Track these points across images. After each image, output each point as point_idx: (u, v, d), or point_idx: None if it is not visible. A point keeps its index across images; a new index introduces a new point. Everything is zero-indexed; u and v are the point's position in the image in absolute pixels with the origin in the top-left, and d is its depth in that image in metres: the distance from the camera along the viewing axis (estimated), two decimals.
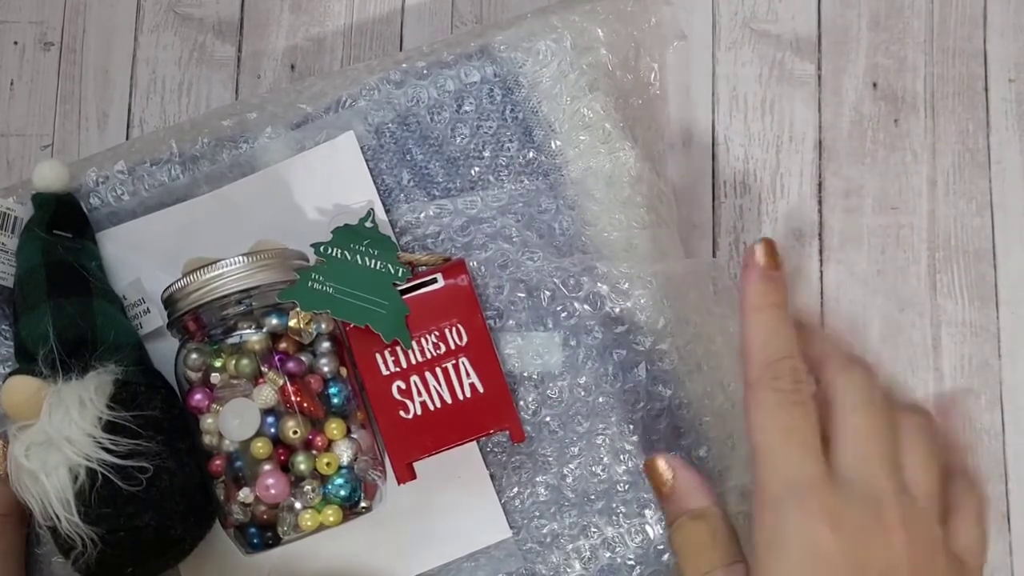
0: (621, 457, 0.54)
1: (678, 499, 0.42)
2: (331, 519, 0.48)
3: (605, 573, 0.53)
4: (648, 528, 0.53)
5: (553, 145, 0.57)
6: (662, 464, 0.42)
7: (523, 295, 0.55)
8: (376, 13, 0.64)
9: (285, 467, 0.48)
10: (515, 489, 0.54)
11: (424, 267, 0.53)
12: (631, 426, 0.54)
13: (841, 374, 0.39)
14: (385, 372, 0.51)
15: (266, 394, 0.48)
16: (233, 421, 0.47)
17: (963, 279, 0.61)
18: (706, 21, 0.64)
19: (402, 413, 0.51)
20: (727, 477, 0.54)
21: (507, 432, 0.52)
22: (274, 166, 0.56)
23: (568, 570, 0.53)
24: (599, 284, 0.55)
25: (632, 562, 0.53)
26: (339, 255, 0.51)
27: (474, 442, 0.53)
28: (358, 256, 0.52)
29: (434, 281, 0.52)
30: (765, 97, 0.63)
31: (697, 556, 0.41)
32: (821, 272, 0.61)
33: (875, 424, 0.38)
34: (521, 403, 0.54)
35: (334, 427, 0.49)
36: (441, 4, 0.64)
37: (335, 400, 0.50)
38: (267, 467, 0.47)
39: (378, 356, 0.51)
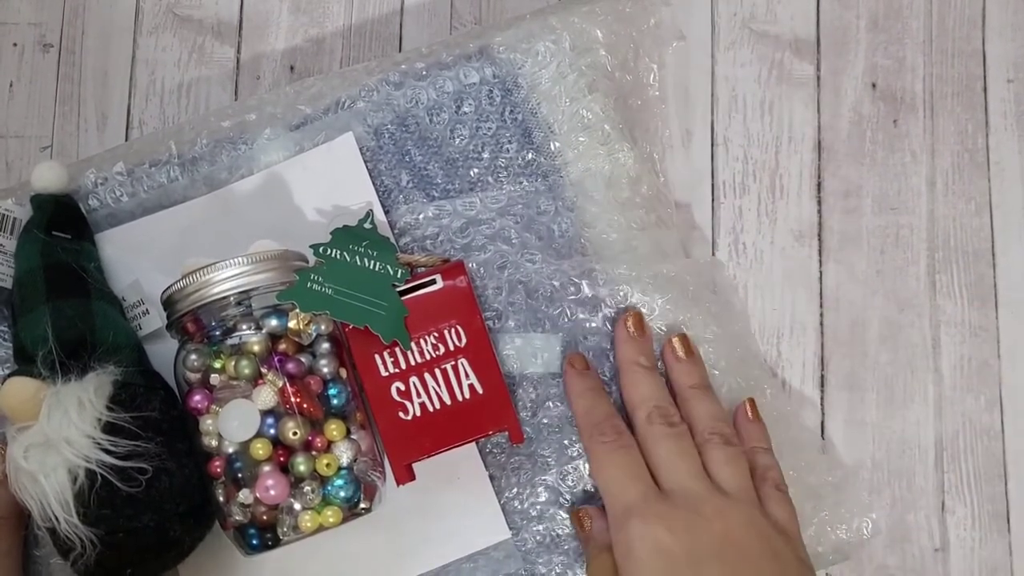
0: None
1: (593, 539, 0.51)
2: (331, 520, 0.48)
3: None
4: None
5: (552, 146, 0.57)
6: (584, 513, 0.52)
7: (522, 297, 0.55)
8: (375, 14, 0.64)
9: (285, 468, 0.48)
10: (514, 490, 0.54)
11: (423, 268, 0.53)
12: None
13: (653, 424, 0.51)
14: (384, 373, 0.51)
15: (265, 395, 0.48)
16: (232, 422, 0.47)
17: (962, 279, 0.61)
18: (705, 22, 0.64)
19: (401, 414, 0.51)
20: None
21: (506, 433, 0.52)
22: (273, 167, 0.56)
23: (568, 572, 0.53)
24: (598, 286, 0.55)
25: None
26: (338, 256, 0.51)
27: (473, 443, 0.53)
28: (357, 257, 0.52)
29: (433, 282, 0.52)
30: (764, 98, 0.63)
31: None
32: (820, 273, 0.61)
33: (679, 447, 0.50)
34: (520, 404, 0.54)
35: (334, 428, 0.49)
36: (440, 5, 0.64)
37: (335, 401, 0.50)
38: (267, 468, 0.47)
39: (377, 357, 0.51)
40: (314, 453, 0.48)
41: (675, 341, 0.54)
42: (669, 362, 0.54)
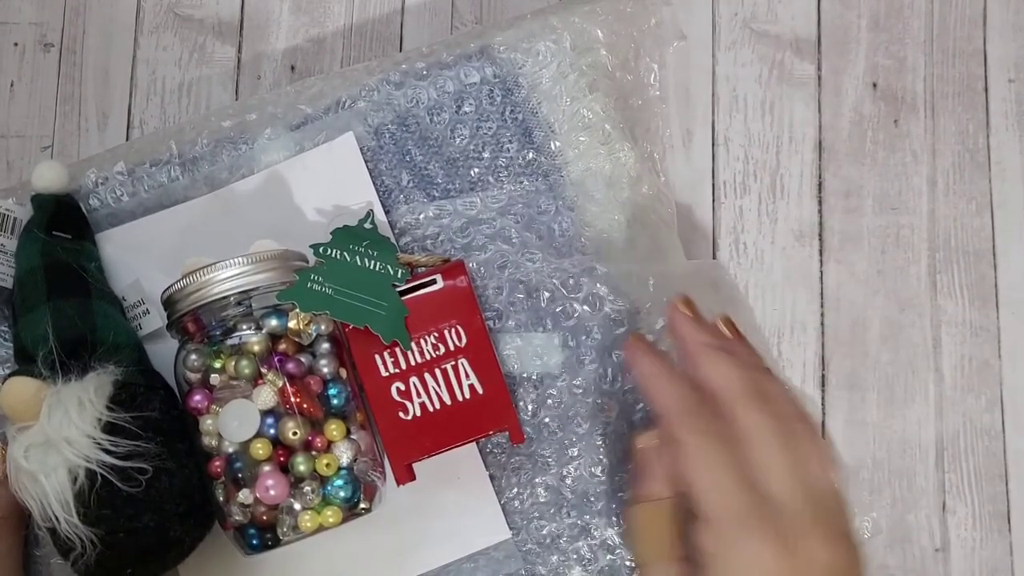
0: (621, 458, 0.54)
1: (650, 481, 0.46)
2: (331, 520, 0.48)
3: (605, 574, 0.53)
4: None
5: (553, 146, 0.57)
6: (644, 440, 0.47)
7: (522, 296, 0.55)
8: (376, 14, 0.64)
9: (285, 468, 0.48)
10: (515, 490, 0.54)
11: (423, 268, 0.53)
12: (631, 428, 0.54)
13: (752, 410, 0.44)
14: (384, 373, 0.51)
15: (265, 395, 0.48)
16: (232, 422, 0.47)
17: (963, 279, 0.61)
18: (706, 22, 0.64)
19: (401, 414, 0.51)
20: None
21: (506, 433, 0.52)
22: (274, 167, 0.56)
23: (568, 572, 0.53)
24: (598, 285, 0.55)
25: (632, 563, 0.53)
26: (338, 256, 0.51)
27: (473, 443, 0.53)
28: (357, 257, 0.52)
29: (433, 282, 0.52)
30: (765, 97, 0.63)
31: (656, 540, 0.45)
32: (821, 272, 0.61)
33: (785, 444, 0.43)
34: (520, 404, 0.54)
35: (334, 428, 0.49)
36: (441, 5, 0.64)
37: (335, 401, 0.50)
38: (267, 468, 0.47)
39: (377, 357, 0.51)
40: (314, 453, 0.48)
41: (721, 323, 0.49)
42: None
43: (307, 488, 0.47)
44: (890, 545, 0.58)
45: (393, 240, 0.54)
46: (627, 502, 0.47)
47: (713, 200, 0.62)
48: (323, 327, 0.50)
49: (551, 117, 0.57)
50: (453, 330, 0.52)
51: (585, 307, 0.55)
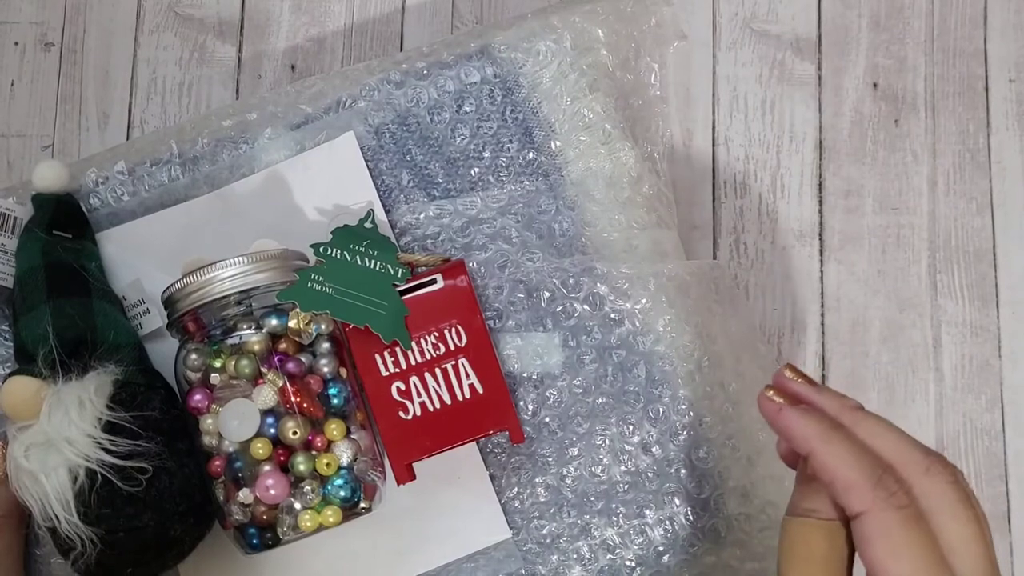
0: (621, 458, 0.54)
1: (820, 496, 0.41)
2: (331, 520, 0.48)
3: (605, 574, 0.53)
4: (648, 529, 0.53)
5: (553, 146, 0.57)
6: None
7: (523, 296, 0.55)
8: (376, 13, 0.64)
9: (285, 468, 0.48)
10: (515, 490, 0.54)
11: (424, 268, 0.53)
12: (630, 427, 0.54)
13: (938, 479, 0.39)
14: (385, 373, 0.51)
15: (266, 395, 0.48)
16: (233, 422, 0.47)
17: (963, 279, 0.61)
18: (706, 21, 0.64)
19: (401, 414, 0.51)
20: (727, 477, 0.54)
21: (507, 433, 0.52)
22: (274, 167, 0.56)
23: (568, 571, 0.53)
24: (599, 285, 0.55)
25: (632, 563, 0.53)
26: (339, 256, 0.51)
27: (474, 443, 0.53)
28: (358, 257, 0.52)
29: (434, 282, 0.52)
30: (765, 97, 0.63)
31: (809, 564, 0.41)
32: (821, 272, 0.61)
33: (983, 533, 0.39)
34: (521, 404, 0.54)
35: (334, 428, 0.49)
36: (441, 4, 0.64)
37: (335, 401, 0.50)
38: (267, 468, 0.47)
39: (378, 357, 0.51)
40: (314, 453, 0.48)
41: (791, 372, 0.44)
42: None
43: (307, 488, 0.48)
44: None
45: (393, 240, 0.54)
46: (787, 510, 0.42)
47: (713, 200, 0.62)
48: (323, 327, 0.50)
49: (551, 117, 0.57)
50: (453, 330, 0.52)
51: (585, 307, 0.55)
